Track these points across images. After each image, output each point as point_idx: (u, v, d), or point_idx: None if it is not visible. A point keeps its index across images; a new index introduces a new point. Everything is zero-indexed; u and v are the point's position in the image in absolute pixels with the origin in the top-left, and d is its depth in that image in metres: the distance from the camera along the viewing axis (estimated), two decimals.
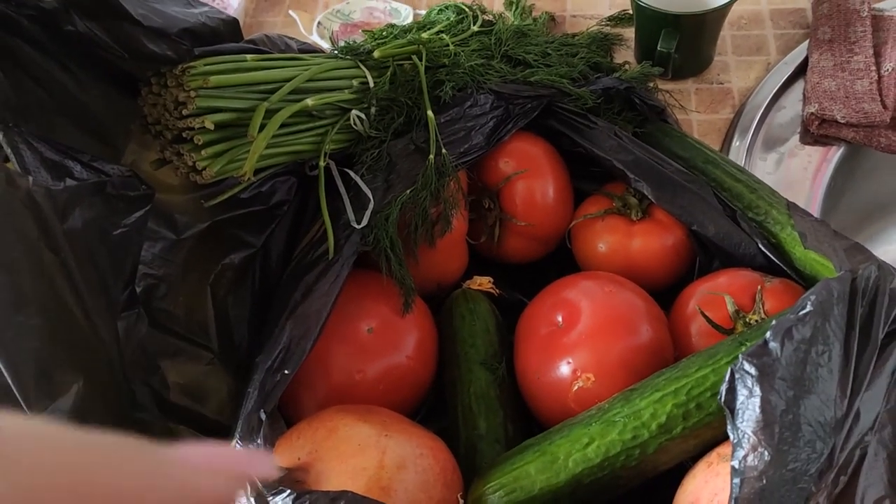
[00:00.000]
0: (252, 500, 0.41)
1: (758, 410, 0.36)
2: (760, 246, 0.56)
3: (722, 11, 0.74)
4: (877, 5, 0.80)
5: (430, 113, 0.59)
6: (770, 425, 0.36)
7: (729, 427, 0.37)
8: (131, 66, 0.51)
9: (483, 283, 0.61)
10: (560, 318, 0.54)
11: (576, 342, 0.52)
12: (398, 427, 0.48)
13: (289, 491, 0.40)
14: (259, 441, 0.46)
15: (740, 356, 0.38)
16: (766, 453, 0.36)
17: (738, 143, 0.73)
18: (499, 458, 0.49)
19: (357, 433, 0.46)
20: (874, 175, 0.77)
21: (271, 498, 0.41)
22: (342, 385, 0.54)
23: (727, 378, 0.38)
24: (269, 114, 0.53)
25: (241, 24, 0.91)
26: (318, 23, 0.88)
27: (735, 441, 0.37)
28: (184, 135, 0.51)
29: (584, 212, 0.62)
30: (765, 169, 0.71)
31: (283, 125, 0.55)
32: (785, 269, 0.55)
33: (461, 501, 0.46)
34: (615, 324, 0.52)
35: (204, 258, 0.56)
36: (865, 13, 0.76)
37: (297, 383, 0.54)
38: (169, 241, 0.55)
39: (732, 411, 0.37)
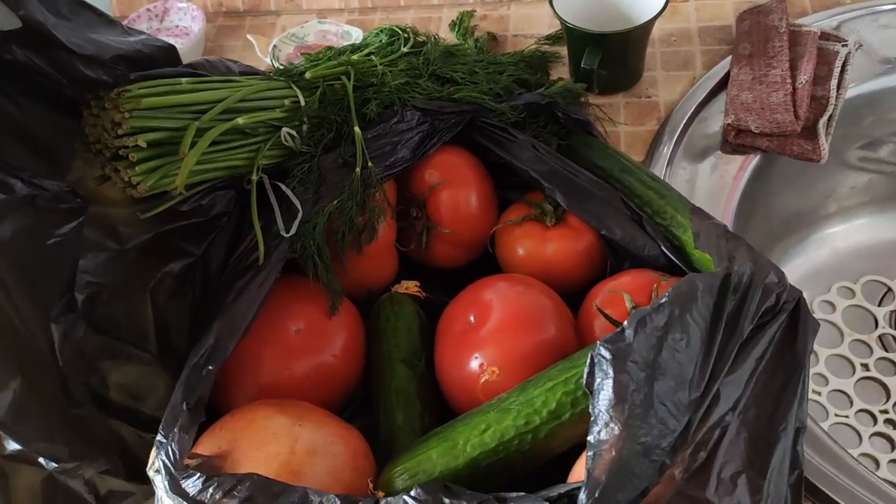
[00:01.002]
0: (165, 483, 0.45)
1: (610, 390, 0.40)
2: (663, 248, 0.60)
3: (645, 28, 0.79)
4: (796, 21, 0.84)
5: (357, 129, 0.63)
6: (620, 403, 0.40)
7: (590, 407, 0.41)
8: (71, 90, 0.55)
9: (409, 286, 0.65)
10: (472, 318, 0.58)
11: (484, 339, 0.56)
12: (313, 418, 0.52)
13: (199, 474, 0.44)
14: (176, 430, 0.49)
15: (598, 343, 0.42)
16: (615, 428, 0.40)
17: (661, 153, 0.77)
18: (408, 445, 0.53)
19: (273, 423, 0.50)
20: (790, 184, 0.81)
21: (183, 481, 0.45)
22: (271, 383, 0.58)
23: (588, 363, 0.42)
24: (202, 132, 0.58)
25: (203, 48, 0.96)
26: (274, 46, 0.93)
27: (592, 419, 0.41)
28: (120, 153, 0.55)
29: (506, 219, 0.67)
30: (684, 177, 0.76)
31: (215, 142, 0.59)
32: (684, 268, 0.59)
33: (370, 485, 0.50)
34: (521, 321, 0.56)
35: (146, 267, 0.60)
36: (783, 29, 0.81)
37: (230, 382, 0.58)
38: (113, 251, 0.59)
39: (592, 392, 0.41)
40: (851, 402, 0.80)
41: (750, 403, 0.46)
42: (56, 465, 0.52)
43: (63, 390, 0.51)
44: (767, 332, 0.49)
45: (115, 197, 0.60)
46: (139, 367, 0.58)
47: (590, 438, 0.40)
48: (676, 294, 0.44)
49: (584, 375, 0.42)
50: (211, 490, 0.44)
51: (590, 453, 0.40)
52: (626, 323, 0.42)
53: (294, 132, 0.63)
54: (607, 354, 0.41)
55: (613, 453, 0.39)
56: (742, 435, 0.45)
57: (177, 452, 0.47)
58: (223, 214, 0.65)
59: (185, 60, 0.66)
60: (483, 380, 0.54)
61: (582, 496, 0.38)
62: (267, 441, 0.49)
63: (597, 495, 0.38)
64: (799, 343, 0.50)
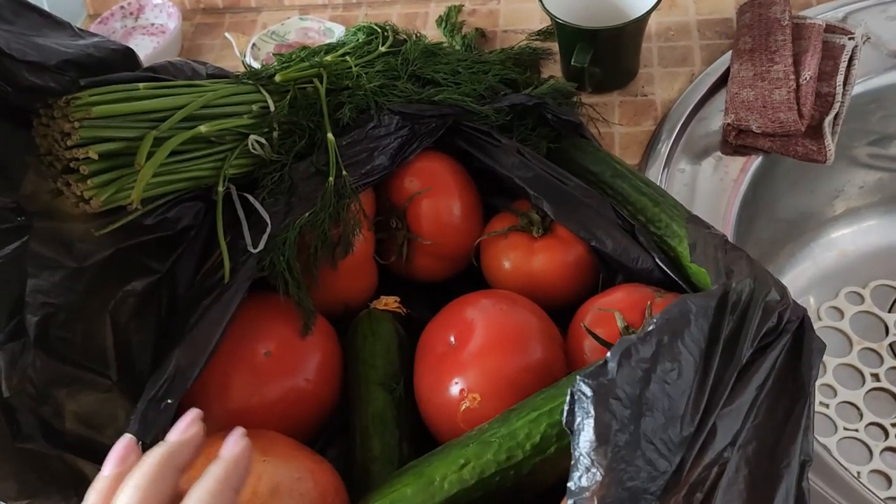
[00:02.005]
0: None
1: (591, 431, 0.37)
2: (657, 260, 0.56)
3: (639, 24, 0.74)
4: (800, 13, 0.80)
5: (329, 136, 0.59)
6: (603, 445, 0.36)
7: (572, 448, 0.38)
8: (17, 99, 0.51)
9: (389, 302, 0.61)
10: (453, 338, 0.54)
11: (465, 362, 0.52)
12: (279, 451, 0.48)
13: None
14: None
15: (577, 378, 0.38)
16: (597, 473, 0.36)
17: (658, 154, 0.73)
18: (384, 479, 0.49)
19: None
20: (795, 185, 0.77)
21: None
22: (239, 409, 0.54)
23: (567, 400, 0.38)
24: (161, 142, 0.54)
25: (179, 47, 0.92)
26: (253, 44, 0.89)
27: (573, 463, 0.37)
28: (71, 165, 0.52)
29: (491, 229, 0.63)
30: (683, 180, 0.71)
31: (177, 152, 0.55)
32: (680, 283, 0.55)
33: None
34: (505, 343, 0.52)
35: (105, 285, 0.56)
36: (786, 21, 0.76)
37: (195, 407, 0.54)
38: (69, 269, 0.55)
39: (572, 433, 0.38)
40: (861, 415, 0.76)
41: (750, 437, 0.42)
42: None
43: (9, 423, 0.48)
44: (769, 357, 0.45)
45: (71, 212, 0.56)
46: (97, 394, 0.54)
47: (570, 485, 0.36)
48: (665, 320, 0.40)
49: (564, 413, 0.38)
50: None
51: (570, 501, 0.36)
52: (608, 355, 0.39)
53: (263, 140, 0.59)
54: (587, 391, 0.37)
55: (595, 501, 0.35)
56: (742, 473, 0.41)
57: None
58: (190, 228, 0.61)
59: (160, 60, 0.62)
60: (464, 407, 0.51)
61: None
62: None
63: None
64: (803, 367, 0.46)
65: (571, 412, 0.38)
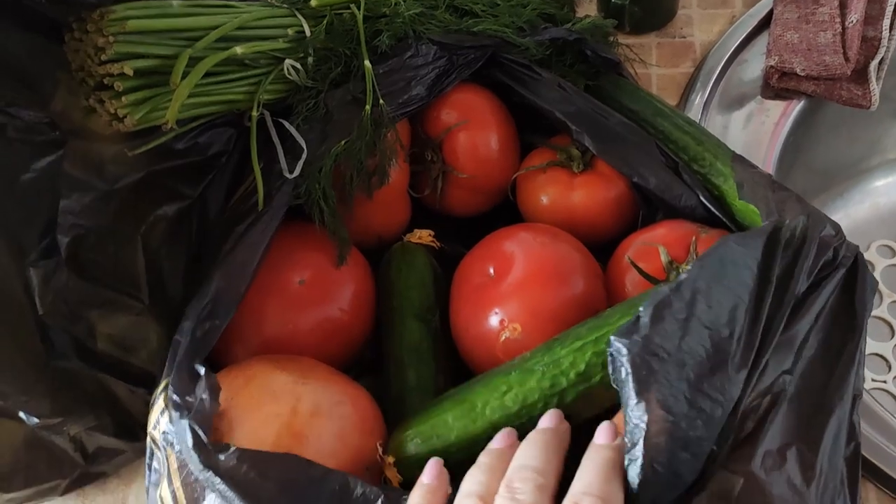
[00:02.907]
0: (194, 455, 0.40)
1: (632, 389, 0.35)
2: (701, 198, 0.55)
3: None
4: None
5: (367, 63, 0.58)
6: (644, 401, 0.35)
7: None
8: (51, 10, 0.50)
9: (423, 236, 0.60)
10: (492, 270, 0.53)
11: (505, 293, 0.51)
12: (317, 375, 0.47)
13: (233, 448, 0.40)
14: (204, 395, 0.44)
15: (611, 337, 0.37)
16: (643, 428, 0.35)
17: (695, 98, 0.72)
18: (421, 407, 0.48)
19: (273, 381, 0.46)
20: (835, 133, 0.75)
21: (217, 455, 0.40)
22: (273, 337, 0.53)
23: (609, 357, 0.37)
24: (195, 62, 0.52)
25: None
26: None
27: (625, 421, 0.36)
28: (105, 82, 0.50)
29: (529, 164, 0.61)
30: (721, 124, 0.70)
31: (212, 74, 0.54)
32: (725, 220, 0.54)
33: (380, 450, 0.46)
34: (545, 275, 0.51)
35: (137, 209, 0.55)
36: None
37: (229, 335, 0.53)
38: (100, 191, 0.54)
39: (619, 390, 0.36)
40: (889, 367, 0.75)
41: (803, 369, 0.41)
42: (38, 421, 0.48)
43: (43, 341, 0.47)
44: (823, 292, 0.44)
45: (102, 132, 0.54)
46: (129, 316, 0.53)
47: (626, 441, 0.35)
48: (700, 267, 0.39)
49: (610, 371, 0.37)
50: (245, 467, 0.40)
51: (625, 457, 0.35)
52: (641, 309, 0.37)
53: (298, 65, 0.58)
54: (622, 349, 0.36)
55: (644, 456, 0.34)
56: (794, 403, 0.40)
57: (203, 420, 0.42)
58: (222, 154, 0.60)
59: None
60: (503, 337, 0.50)
61: None
62: (267, 400, 0.45)
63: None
64: (857, 302, 0.45)
65: (615, 370, 0.37)
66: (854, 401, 0.42)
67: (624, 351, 0.36)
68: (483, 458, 0.40)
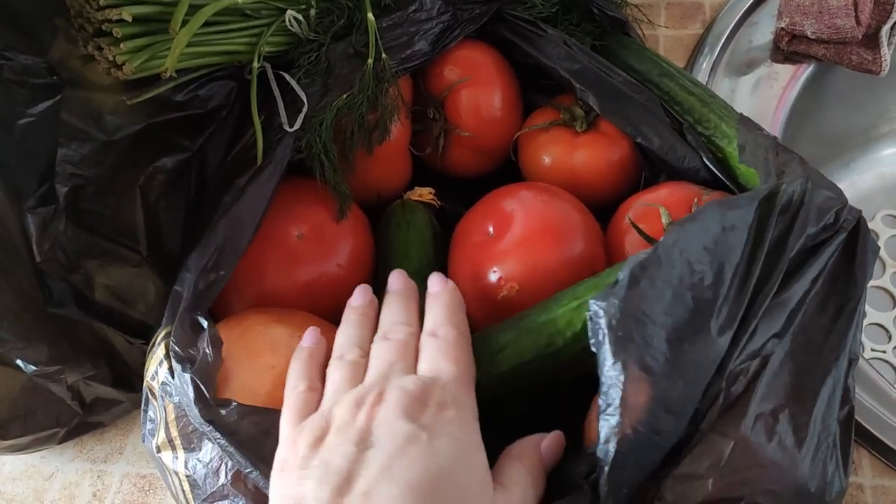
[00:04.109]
0: (195, 410, 0.40)
1: (609, 353, 0.35)
2: (704, 159, 0.54)
3: None
4: None
5: (370, 16, 0.57)
6: (622, 365, 0.34)
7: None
8: None
9: (423, 193, 0.60)
10: (491, 228, 0.53)
11: (504, 251, 0.51)
12: None
13: (235, 404, 0.40)
14: (207, 348, 0.44)
15: (590, 301, 0.36)
16: (620, 392, 0.34)
17: (703, 60, 0.70)
18: None
19: (270, 333, 0.46)
20: (843, 100, 0.74)
21: (219, 409, 0.40)
22: (270, 290, 0.53)
23: (588, 321, 0.37)
24: (195, 10, 0.51)
25: None
26: None
27: (601, 382, 0.36)
28: (104, 28, 0.49)
29: (531, 123, 0.60)
30: (729, 87, 0.69)
31: (212, 23, 0.53)
32: (727, 183, 0.54)
33: None
34: (545, 234, 0.51)
35: (136, 160, 0.55)
36: None
37: (226, 287, 0.53)
38: (99, 141, 0.54)
39: (597, 353, 0.36)
40: (890, 337, 0.75)
41: (798, 330, 0.41)
42: (35, 368, 0.48)
43: (41, 288, 0.47)
44: (823, 254, 0.43)
45: (101, 80, 0.54)
46: (127, 268, 0.53)
47: (599, 402, 0.35)
48: (680, 228, 0.38)
49: (589, 334, 0.37)
50: (246, 422, 0.40)
51: (600, 420, 0.35)
52: (619, 273, 0.37)
53: (300, 16, 0.57)
54: (600, 312, 0.36)
55: (623, 419, 0.34)
56: (787, 366, 0.40)
57: (205, 375, 0.42)
58: (222, 107, 0.60)
59: None
60: (501, 295, 0.50)
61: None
62: (262, 352, 0.45)
63: (606, 473, 0.34)
64: (857, 266, 0.44)
65: (593, 333, 0.36)
66: (850, 364, 0.42)
67: (601, 313, 0.36)
68: (350, 315, 0.46)
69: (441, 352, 0.40)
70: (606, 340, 0.35)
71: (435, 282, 0.46)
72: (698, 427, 0.36)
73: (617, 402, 0.34)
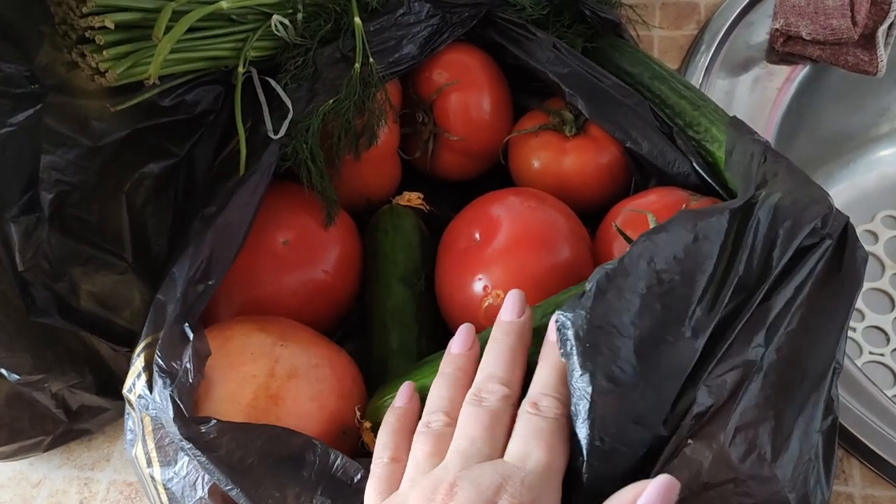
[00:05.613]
0: (175, 426, 0.39)
1: (577, 363, 0.35)
2: (694, 164, 0.54)
3: None
4: None
5: (357, 20, 0.56)
6: (590, 376, 0.34)
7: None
8: None
9: (412, 198, 0.60)
10: (478, 234, 0.52)
11: (490, 258, 0.50)
12: (297, 337, 0.47)
13: (214, 421, 0.40)
14: (188, 359, 0.43)
15: (558, 312, 0.36)
16: (589, 402, 0.34)
17: (698, 61, 0.70)
18: (402, 372, 0.48)
19: (252, 342, 0.46)
20: (840, 100, 0.73)
21: (198, 426, 0.40)
22: (256, 298, 0.53)
23: (557, 332, 0.36)
24: (179, 16, 0.51)
25: None
26: None
27: (571, 392, 0.35)
28: (87, 35, 0.49)
29: (521, 127, 0.60)
30: (723, 89, 0.68)
31: (197, 29, 0.53)
32: (717, 188, 0.53)
33: (357, 414, 0.46)
34: (531, 241, 0.50)
35: (122, 166, 0.55)
36: None
37: (213, 295, 0.53)
38: (84, 147, 0.53)
39: (567, 363, 0.36)
40: (888, 340, 0.74)
41: (782, 340, 0.40)
42: (18, 377, 0.48)
43: (24, 297, 0.47)
44: (809, 262, 0.42)
45: (87, 86, 0.54)
46: (113, 275, 0.53)
47: (571, 411, 0.35)
48: (647, 239, 0.38)
49: (559, 345, 0.37)
50: (226, 440, 0.39)
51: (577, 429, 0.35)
52: (586, 284, 0.37)
53: (287, 21, 0.56)
54: (567, 323, 0.36)
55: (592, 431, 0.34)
56: (769, 377, 0.39)
57: (185, 392, 0.41)
58: (209, 112, 0.59)
59: None
60: (486, 304, 0.49)
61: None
62: (244, 361, 0.45)
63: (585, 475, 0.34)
64: (845, 273, 0.43)
65: (562, 344, 0.36)
66: (833, 372, 0.41)
67: (569, 324, 0.36)
68: (446, 368, 0.41)
69: (536, 434, 0.35)
70: (574, 351, 0.35)
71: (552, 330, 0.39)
72: (671, 436, 0.35)
73: (585, 413, 0.34)
